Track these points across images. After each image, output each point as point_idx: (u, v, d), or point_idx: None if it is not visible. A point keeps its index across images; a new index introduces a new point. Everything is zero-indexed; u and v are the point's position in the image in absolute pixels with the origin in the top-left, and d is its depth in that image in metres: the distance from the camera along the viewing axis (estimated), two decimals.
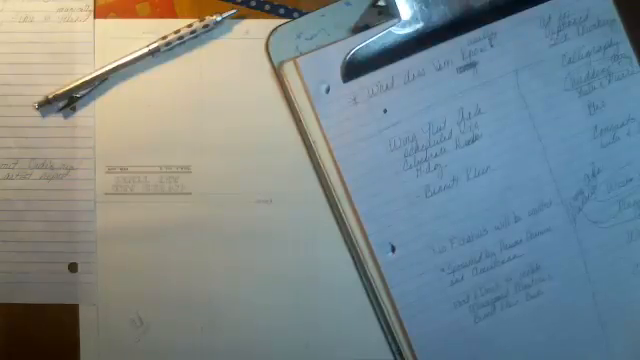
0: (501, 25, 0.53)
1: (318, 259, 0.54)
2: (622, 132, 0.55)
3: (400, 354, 0.54)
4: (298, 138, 0.54)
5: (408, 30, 0.53)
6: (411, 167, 0.53)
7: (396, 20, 0.53)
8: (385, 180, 0.53)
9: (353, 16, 0.54)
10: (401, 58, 0.53)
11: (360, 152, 0.53)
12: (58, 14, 0.53)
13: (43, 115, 0.54)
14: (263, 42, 0.54)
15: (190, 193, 0.54)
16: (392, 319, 0.53)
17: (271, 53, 0.53)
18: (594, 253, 0.54)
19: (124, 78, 0.54)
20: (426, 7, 0.53)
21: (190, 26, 0.53)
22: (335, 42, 0.53)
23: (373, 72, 0.52)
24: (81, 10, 0.54)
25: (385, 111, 0.52)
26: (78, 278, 0.55)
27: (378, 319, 0.54)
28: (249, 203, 0.54)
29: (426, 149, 0.53)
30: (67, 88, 0.53)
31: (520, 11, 0.53)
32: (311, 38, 0.53)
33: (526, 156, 0.54)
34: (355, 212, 0.53)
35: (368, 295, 0.54)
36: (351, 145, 0.52)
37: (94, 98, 0.54)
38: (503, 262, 0.54)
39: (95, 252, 0.54)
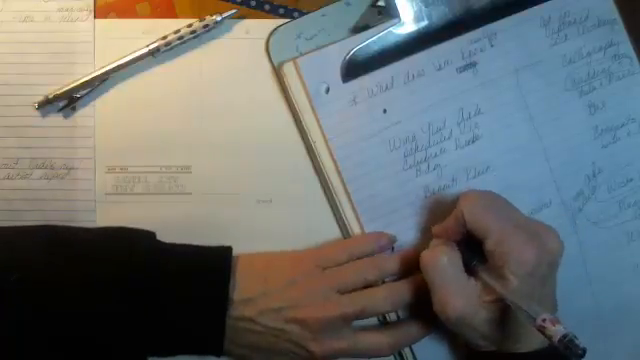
0: (501, 25, 0.53)
1: None
2: (622, 132, 0.55)
3: (401, 355, 0.54)
4: (298, 138, 0.54)
5: (408, 30, 0.53)
6: (411, 167, 0.53)
7: (396, 20, 0.53)
8: (385, 180, 0.53)
9: (353, 16, 0.54)
10: (401, 58, 0.53)
11: (360, 152, 0.53)
12: (58, 14, 0.53)
13: (43, 115, 0.54)
14: (263, 42, 0.54)
15: (190, 193, 0.54)
16: (391, 317, 0.53)
17: (271, 53, 0.53)
18: (594, 253, 0.54)
19: (124, 78, 0.54)
20: (426, 7, 0.53)
21: (190, 26, 0.53)
22: (335, 42, 0.53)
23: (373, 72, 0.52)
24: (81, 10, 0.54)
25: (385, 111, 0.52)
26: None
27: (378, 319, 0.54)
28: (249, 203, 0.54)
29: (426, 149, 0.53)
30: (67, 88, 0.53)
31: (520, 11, 0.53)
32: (311, 38, 0.53)
33: (526, 156, 0.54)
34: (355, 212, 0.53)
35: None
36: (351, 145, 0.52)
37: (94, 98, 0.54)
38: None
39: None
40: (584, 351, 0.39)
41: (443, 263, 0.47)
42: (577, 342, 0.39)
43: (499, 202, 0.49)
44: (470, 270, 0.47)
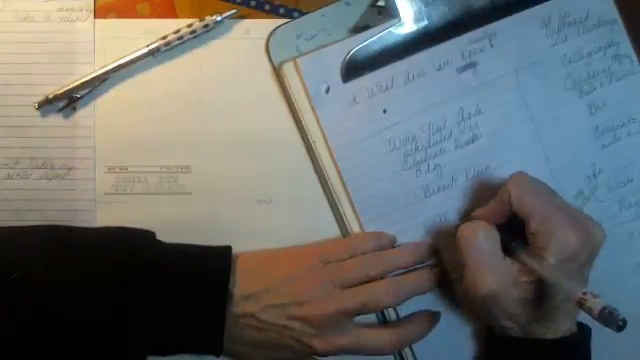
0: (501, 25, 0.53)
1: None
2: (623, 132, 0.55)
3: (400, 355, 0.54)
4: (298, 138, 0.54)
5: (408, 30, 0.53)
6: (411, 167, 0.53)
7: (396, 20, 0.53)
8: (385, 180, 0.53)
9: (353, 16, 0.54)
10: (401, 58, 0.53)
11: (360, 152, 0.53)
12: (58, 14, 0.53)
13: (43, 115, 0.54)
14: (263, 42, 0.54)
15: (190, 193, 0.54)
16: (391, 317, 0.53)
17: (271, 53, 0.53)
18: None
19: (124, 78, 0.54)
20: (426, 7, 0.53)
21: (190, 26, 0.53)
22: (335, 42, 0.53)
23: (373, 72, 0.52)
24: (81, 10, 0.54)
25: (385, 111, 0.52)
26: None
27: (378, 318, 0.54)
28: (249, 203, 0.54)
29: (426, 149, 0.53)
30: (67, 88, 0.53)
31: (520, 11, 0.53)
32: (311, 38, 0.53)
33: (526, 156, 0.53)
34: (355, 212, 0.53)
35: None
36: (351, 145, 0.52)
37: (94, 98, 0.54)
38: None
39: None
40: (624, 322, 0.39)
41: (480, 238, 0.47)
42: (617, 313, 0.40)
43: (545, 187, 0.49)
44: (508, 252, 0.47)
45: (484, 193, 0.53)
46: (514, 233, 0.48)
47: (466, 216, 0.53)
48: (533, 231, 0.46)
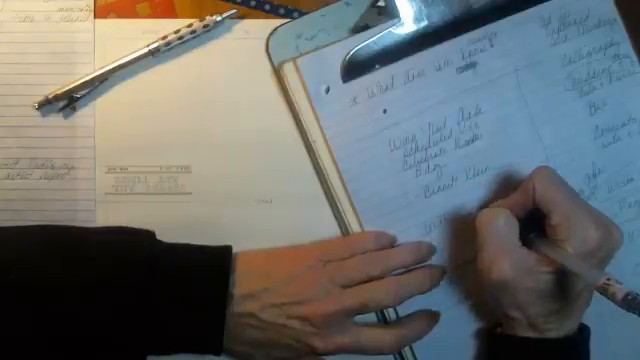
0: (501, 25, 0.53)
1: None
2: (623, 132, 0.55)
3: (401, 355, 0.54)
4: (298, 138, 0.54)
5: (408, 30, 0.53)
6: (411, 167, 0.53)
7: (396, 20, 0.53)
8: (385, 180, 0.53)
9: (353, 16, 0.54)
10: (401, 58, 0.52)
11: (360, 152, 0.53)
12: (58, 14, 0.53)
13: (43, 115, 0.54)
14: (263, 42, 0.54)
15: (190, 193, 0.54)
16: (391, 317, 0.53)
17: (271, 53, 0.53)
18: None
19: (124, 78, 0.54)
20: (426, 7, 0.53)
21: (190, 26, 0.53)
22: (335, 42, 0.53)
23: (373, 72, 0.52)
24: (81, 10, 0.54)
25: (385, 111, 0.52)
26: None
27: (378, 318, 0.54)
28: (249, 203, 0.54)
29: (426, 149, 0.53)
30: (67, 88, 0.53)
31: (520, 11, 0.53)
32: (311, 38, 0.53)
33: (526, 156, 0.53)
34: (355, 212, 0.53)
35: None
36: (351, 145, 0.52)
37: (94, 98, 0.54)
38: None
39: None
40: None
41: (499, 223, 0.47)
42: None
43: (568, 185, 0.49)
44: (525, 243, 0.47)
45: (484, 193, 0.53)
46: (532, 226, 0.48)
47: (466, 216, 0.53)
48: (554, 224, 0.46)
